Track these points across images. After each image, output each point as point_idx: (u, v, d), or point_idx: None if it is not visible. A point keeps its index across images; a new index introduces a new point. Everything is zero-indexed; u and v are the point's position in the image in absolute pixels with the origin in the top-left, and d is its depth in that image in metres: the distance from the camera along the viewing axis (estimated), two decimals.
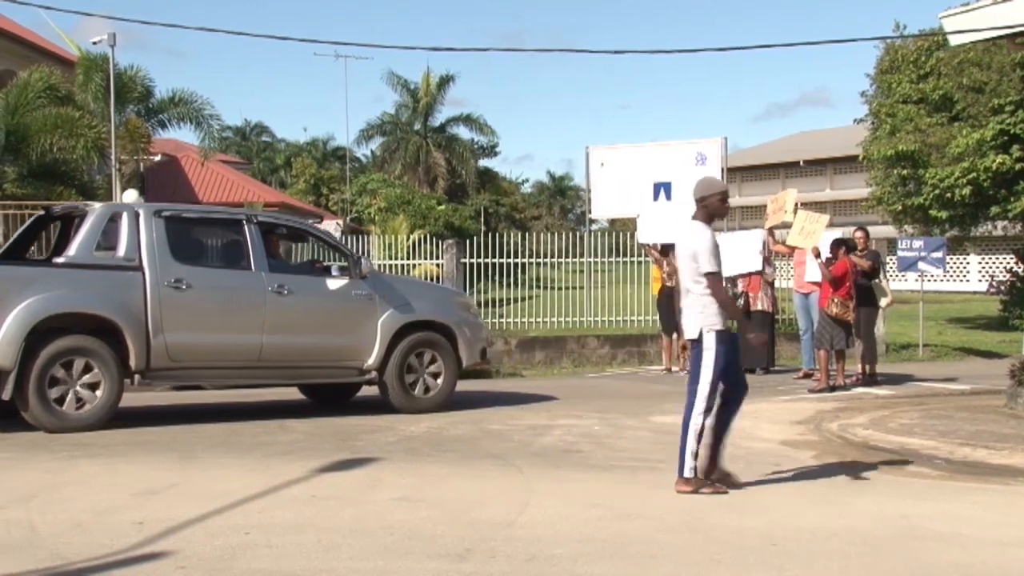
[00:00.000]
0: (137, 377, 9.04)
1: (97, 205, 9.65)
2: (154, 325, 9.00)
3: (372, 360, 9.94)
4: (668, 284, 15.07)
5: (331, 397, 10.82)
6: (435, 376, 10.33)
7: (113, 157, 25.24)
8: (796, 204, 13.78)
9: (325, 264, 10.72)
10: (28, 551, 5.01)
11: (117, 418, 9.46)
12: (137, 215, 9.21)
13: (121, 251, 9.09)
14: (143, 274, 9.03)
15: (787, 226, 13.48)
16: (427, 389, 10.26)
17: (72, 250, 9.05)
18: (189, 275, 9.22)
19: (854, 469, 7.53)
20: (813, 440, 8.90)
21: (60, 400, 8.66)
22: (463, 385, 12.86)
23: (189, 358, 9.26)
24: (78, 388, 8.73)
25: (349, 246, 11.16)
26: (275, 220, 10.83)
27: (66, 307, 8.76)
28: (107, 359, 8.81)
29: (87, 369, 8.77)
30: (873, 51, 25.63)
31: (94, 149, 22.84)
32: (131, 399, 10.47)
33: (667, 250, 15.36)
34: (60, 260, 9.11)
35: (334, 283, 9.92)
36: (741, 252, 14.72)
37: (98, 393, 8.79)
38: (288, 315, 9.60)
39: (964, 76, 21.79)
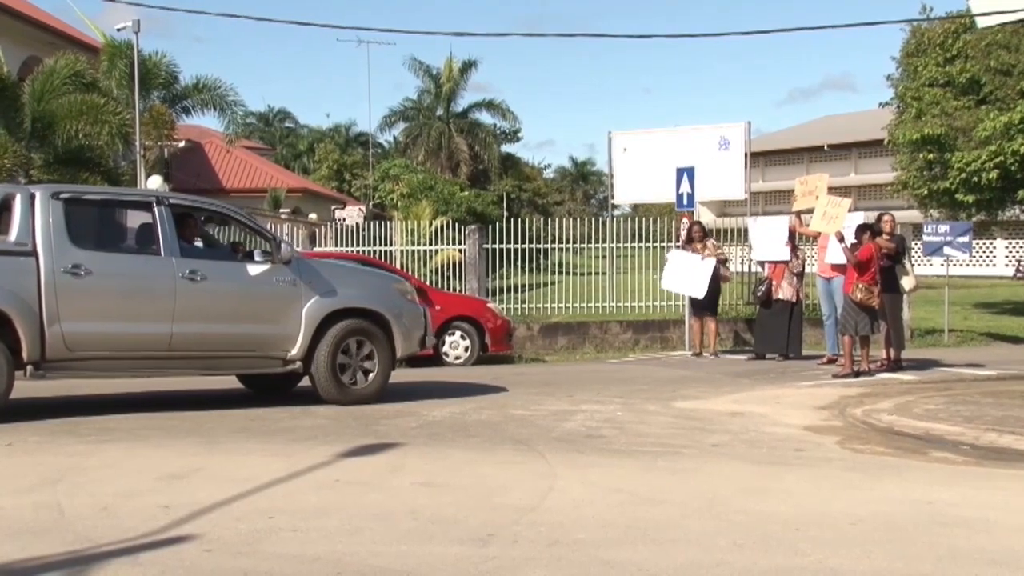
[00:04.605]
0: (30, 368, 8.47)
1: None
2: (49, 314, 8.44)
3: (296, 350, 9.46)
4: None
5: (270, 388, 10.48)
6: (368, 366, 9.83)
7: (138, 143, 25.44)
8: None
9: (249, 249, 10.19)
10: (56, 533, 5.06)
11: (141, 404, 9.55)
12: (32, 197, 8.64)
13: (12, 235, 8.50)
14: (37, 260, 8.46)
15: (812, 211, 13.39)
16: (359, 380, 9.77)
17: None
18: (89, 260, 8.67)
19: (878, 454, 7.50)
20: (837, 425, 8.86)
21: None
22: (487, 369, 12.89)
23: (89, 348, 8.71)
24: None
25: (272, 230, 10.57)
26: (190, 202, 10.19)
27: None
28: None
29: None
30: (899, 34, 25.38)
31: (119, 136, 23.01)
32: (154, 384, 10.56)
33: (693, 237, 15.35)
34: None
35: (254, 269, 9.40)
36: (771, 239, 14.67)
37: None
38: (201, 302, 9.08)
39: (992, 59, 21.54)
